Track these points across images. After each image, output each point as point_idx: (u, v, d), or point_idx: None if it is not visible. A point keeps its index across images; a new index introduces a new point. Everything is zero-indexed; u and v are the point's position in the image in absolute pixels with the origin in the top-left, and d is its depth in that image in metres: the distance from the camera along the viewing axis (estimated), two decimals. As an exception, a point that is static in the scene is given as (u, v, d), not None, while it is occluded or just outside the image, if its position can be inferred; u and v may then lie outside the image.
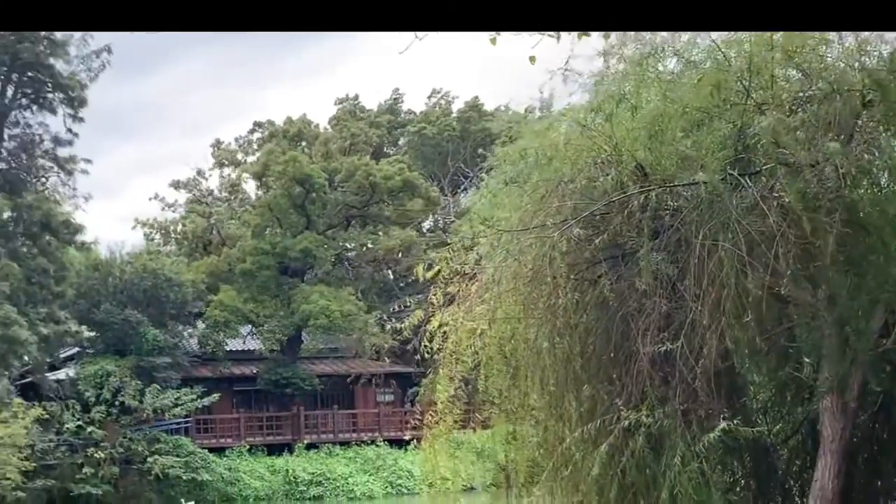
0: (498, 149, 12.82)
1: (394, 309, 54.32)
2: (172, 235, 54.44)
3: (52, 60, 43.50)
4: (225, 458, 44.66)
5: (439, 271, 10.91)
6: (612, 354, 9.26)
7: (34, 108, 43.99)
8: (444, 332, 10.62)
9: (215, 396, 44.43)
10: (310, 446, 47.46)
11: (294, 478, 45.00)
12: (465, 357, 10.61)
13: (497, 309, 9.99)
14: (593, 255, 9.38)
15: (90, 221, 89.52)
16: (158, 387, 42.37)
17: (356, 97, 61.73)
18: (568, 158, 9.27)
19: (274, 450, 47.00)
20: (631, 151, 8.77)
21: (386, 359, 53.76)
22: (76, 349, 45.15)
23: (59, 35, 44.19)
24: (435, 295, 10.89)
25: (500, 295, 9.85)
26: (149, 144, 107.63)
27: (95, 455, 39.92)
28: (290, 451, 47.04)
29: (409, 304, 38.86)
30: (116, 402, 41.35)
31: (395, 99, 64.75)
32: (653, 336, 8.59)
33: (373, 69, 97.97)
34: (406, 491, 46.88)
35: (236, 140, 56.26)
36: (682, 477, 8.49)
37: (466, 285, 10.59)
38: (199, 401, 43.03)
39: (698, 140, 8.59)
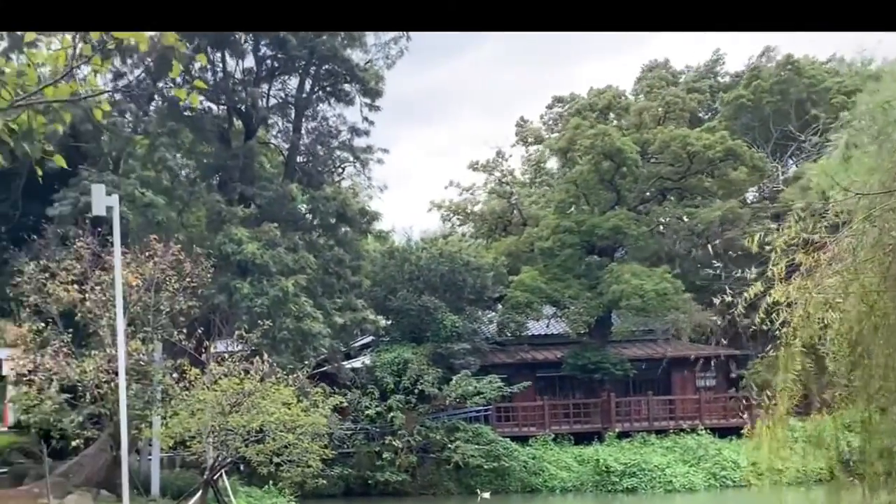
0: (857, 101, 12.30)
1: (715, 287, 50.57)
2: (470, 218, 53.92)
3: (348, 52, 44.20)
4: (528, 448, 43.41)
5: (779, 243, 10.08)
6: None
7: (331, 100, 45.00)
8: (789, 307, 9.91)
9: (524, 385, 43.27)
10: (621, 435, 45.00)
11: (605, 468, 42.60)
12: (811, 333, 10.00)
13: (853, 281, 9.20)
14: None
15: (386, 209, 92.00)
16: (461, 374, 41.88)
17: (666, 62, 57.87)
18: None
19: (581, 439, 44.99)
20: None
21: (708, 341, 50.19)
22: (371, 338, 45.82)
23: (356, 26, 44.98)
24: (777, 265, 10.14)
25: (856, 265, 9.14)
26: (445, 130, 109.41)
27: (393, 443, 40.14)
28: (600, 440, 44.86)
29: (732, 280, 35.54)
30: (415, 390, 41.30)
31: (714, 60, 60.16)
32: None
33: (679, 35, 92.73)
34: (731, 483, 43.21)
35: (540, 117, 54.57)
36: None
37: (814, 256, 9.90)
38: (502, 389, 42.06)
39: None
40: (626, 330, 48.62)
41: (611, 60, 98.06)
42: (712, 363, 48.27)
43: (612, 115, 52.19)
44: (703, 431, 45.10)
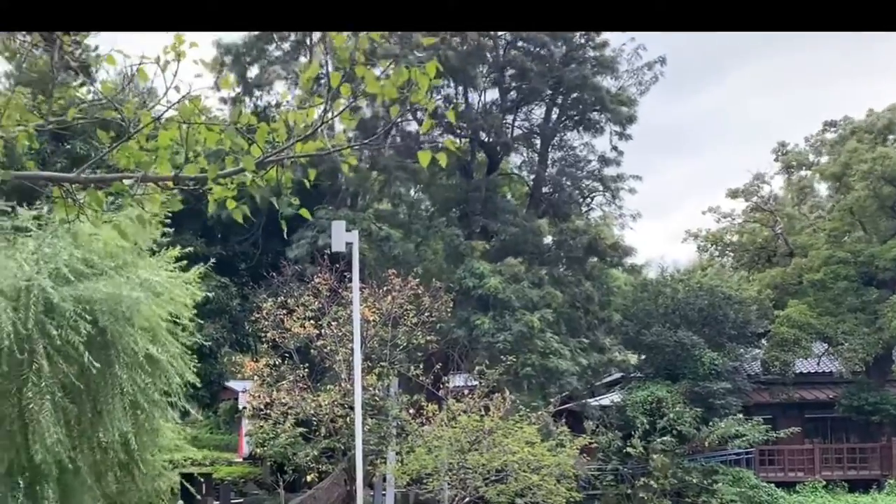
0: None
1: None
2: (729, 248, 50.77)
3: (598, 79, 43.09)
4: (795, 494, 39.92)
5: None
6: None
7: (579, 129, 43.90)
8: None
9: (792, 430, 39.95)
10: (904, 483, 40.71)
11: (884, 519, 38.72)
12: None
13: None
14: None
15: (637, 240, 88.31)
16: (724, 417, 39.21)
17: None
18: None
19: (857, 486, 41.01)
20: None
21: None
22: (620, 374, 43.86)
23: (607, 52, 43.75)
24: None
25: None
26: (700, 158, 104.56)
27: (649, 484, 38.02)
28: (879, 488, 40.72)
29: None
30: (670, 430, 39.01)
31: None
32: None
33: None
34: None
35: (805, 140, 50.81)
36: None
37: None
38: (769, 432, 39.01)
39: None
40: (910, 368, 44.09)
41: (880, 82, 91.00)
42: None
43: (891, 137, 47.78)
44: None
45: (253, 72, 40.83)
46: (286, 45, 40.52)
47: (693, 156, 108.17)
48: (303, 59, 39.66)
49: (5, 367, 13.78)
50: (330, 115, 6.51)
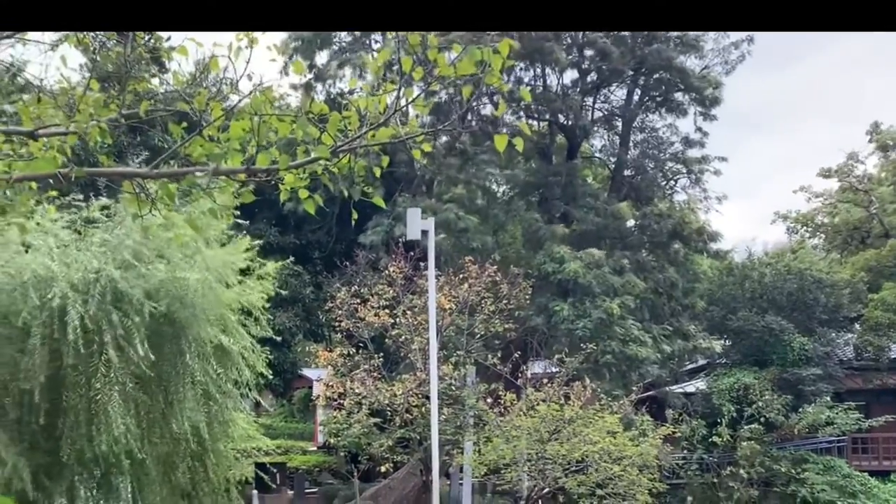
0: None
1: None
2: (820, 229, 49.08)
3: (682, 59, 42.02)
4: (890, 484, 38.44)
5: None
6: None
7: (661, 110, 42.90)
8: None
9: (888, 418, 38.44)
10: None
11: None
12: None
13: None
14: None
15: (724, 223, 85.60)
16: (814, 403, 37.99)
17: None
18: None
19: (962, 475, 39.40)
20: None
21: None
22: (705, 361, 42.75)
23: (691, 32, 42.60)
24: None
25: None
26: (788, 138, 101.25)
27: (732, 474, 37.04)
28: None
29: None
30: (759, 418, 37.89)
31: None
32: None
33: None
34: None
35: (901, 117, 48.89)
36: None
37: None
38: (860, 420, 37.66)
39: None
40: None
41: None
42: None
43: None
44: None
45: (322, 58, 40.73)
46: (345, 34, 40.28)
47: (784, 134, 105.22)
48: (374, 44, 39.40)
49: (71, 360, 13.86)
50: (403, 101, 6.43)
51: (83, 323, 14.09)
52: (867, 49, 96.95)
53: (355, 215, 7.90)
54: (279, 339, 20.18)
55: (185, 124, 6.66)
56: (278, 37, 39.91)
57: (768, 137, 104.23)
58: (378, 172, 6.98)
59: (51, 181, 6.68)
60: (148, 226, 14.16)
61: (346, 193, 6.75)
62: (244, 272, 16.91)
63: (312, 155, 6.43)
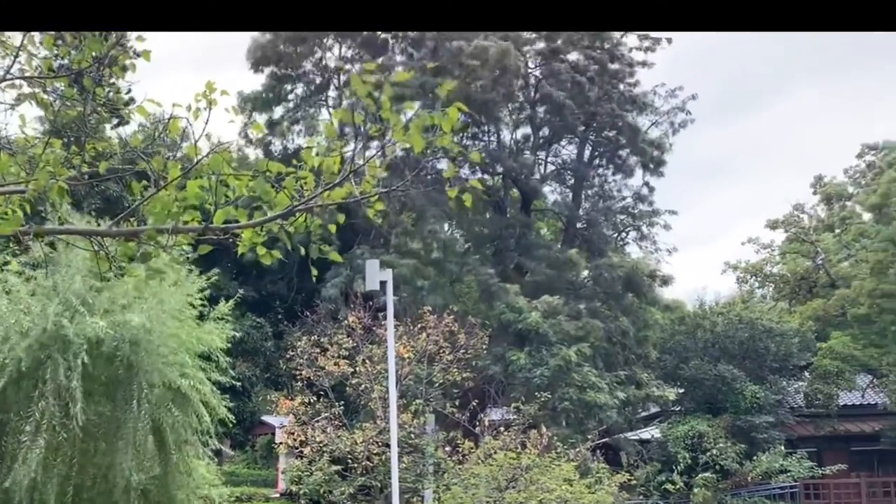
0: None
1: None
2: (769, 279, 50.17)
3: (631, 118, 43.12)
4: (842, 529, 39.18)
5: None
6: None
7: (611, 167, 43.91)
8: None
9: (840, 467, 39.02)
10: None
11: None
12: None
13: None
14: None
15: (679, 271, 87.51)
16: (768, 451, 38.53)
17: None
18: None
19: (907, 521, 40.08)
20: None
21: None
22: (658, 409, 43.29)
23: (637, 91, 43.73)
24: None
25: None
26: (738, 188, 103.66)
27: (691, 522, 37.38)
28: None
29: None
30: (712, 466, 38.36)
31: None
32: None
33: None
34: None
35: (844, 172, 50.38)
36: None
37: None
38: (813, 468, 38.24)
39: None
40: None
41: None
42: None
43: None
44: None
45: (278, 113, 41.31)
46: (299, 90, 40.92)
47: (735, 184, 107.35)
48: (329, 100, 39.97)
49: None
50: (359, 161, 6.60)
51: (18, 367, 14.01)
52: (814, 99, 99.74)
53: (315, 272, 7.82)
54: (239, 385, 20.27)
55: (144, 182, 6.75)
56: (236, 96, 40.48)
57: (720, 188, 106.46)
58: (334, 228, 7.16)
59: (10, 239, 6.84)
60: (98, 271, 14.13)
61: (303, 251, 6.86)
62: (201, 317, 16.98)
63: (269, 214, 6.53)
